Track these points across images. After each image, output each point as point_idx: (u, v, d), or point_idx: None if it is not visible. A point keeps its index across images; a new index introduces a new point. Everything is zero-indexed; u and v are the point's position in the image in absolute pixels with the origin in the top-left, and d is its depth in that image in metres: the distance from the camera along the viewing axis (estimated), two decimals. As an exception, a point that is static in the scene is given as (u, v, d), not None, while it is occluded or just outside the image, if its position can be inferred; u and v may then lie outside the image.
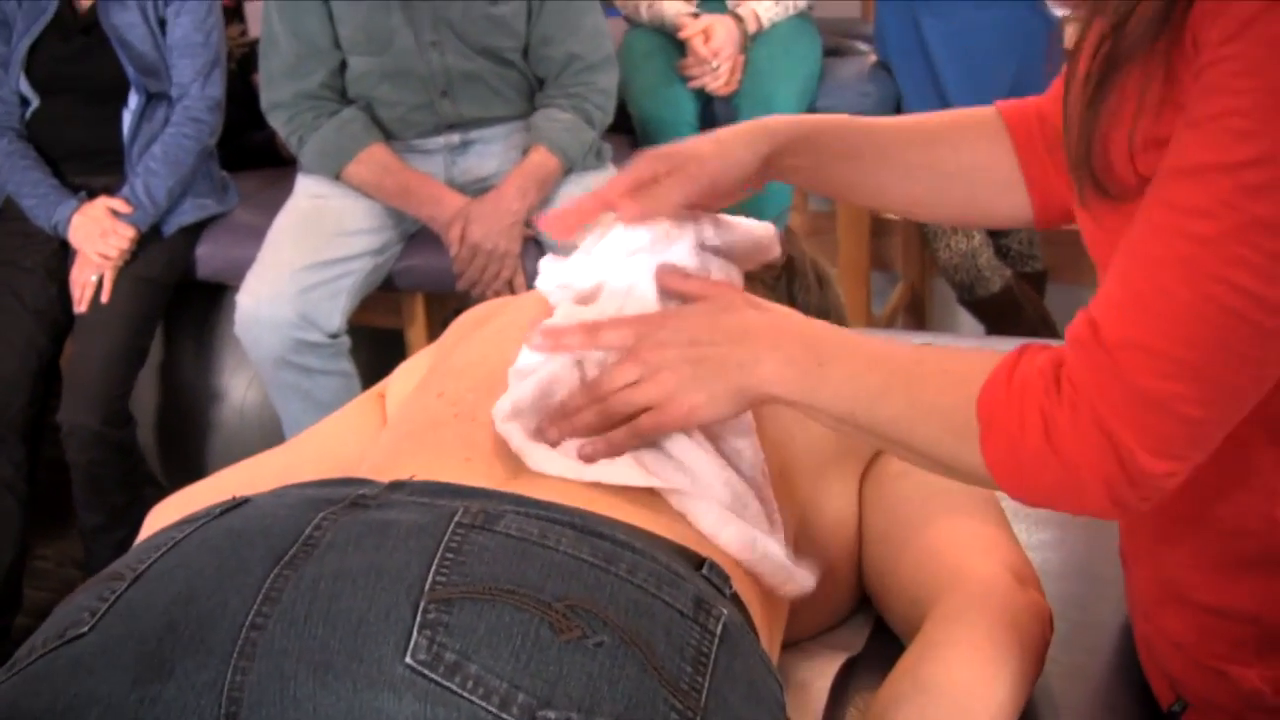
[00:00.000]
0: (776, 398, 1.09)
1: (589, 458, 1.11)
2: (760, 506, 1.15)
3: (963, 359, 1.03)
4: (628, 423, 1.12)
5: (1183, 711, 1.14)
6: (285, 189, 2.89)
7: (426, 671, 0.84)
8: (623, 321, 1.17)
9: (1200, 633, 1.09)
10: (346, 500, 0.98)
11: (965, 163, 1.32)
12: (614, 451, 1.11)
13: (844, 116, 1.34)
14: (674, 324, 1.13)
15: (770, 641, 1.11)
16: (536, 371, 1.17)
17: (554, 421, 1.13)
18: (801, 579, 1.14)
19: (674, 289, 1.23)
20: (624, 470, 1.09)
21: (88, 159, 2.92)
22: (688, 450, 1.12)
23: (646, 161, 1.27)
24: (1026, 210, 1.32)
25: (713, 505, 1.09)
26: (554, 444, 1.12)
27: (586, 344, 1.16)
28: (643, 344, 1.12)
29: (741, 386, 1.09)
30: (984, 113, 1.35)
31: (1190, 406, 0.92)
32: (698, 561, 1.02)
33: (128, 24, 2.84)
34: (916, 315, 3.69)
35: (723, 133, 1.29)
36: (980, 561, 1.22)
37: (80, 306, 2.80)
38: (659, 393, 1.10)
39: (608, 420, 1.12)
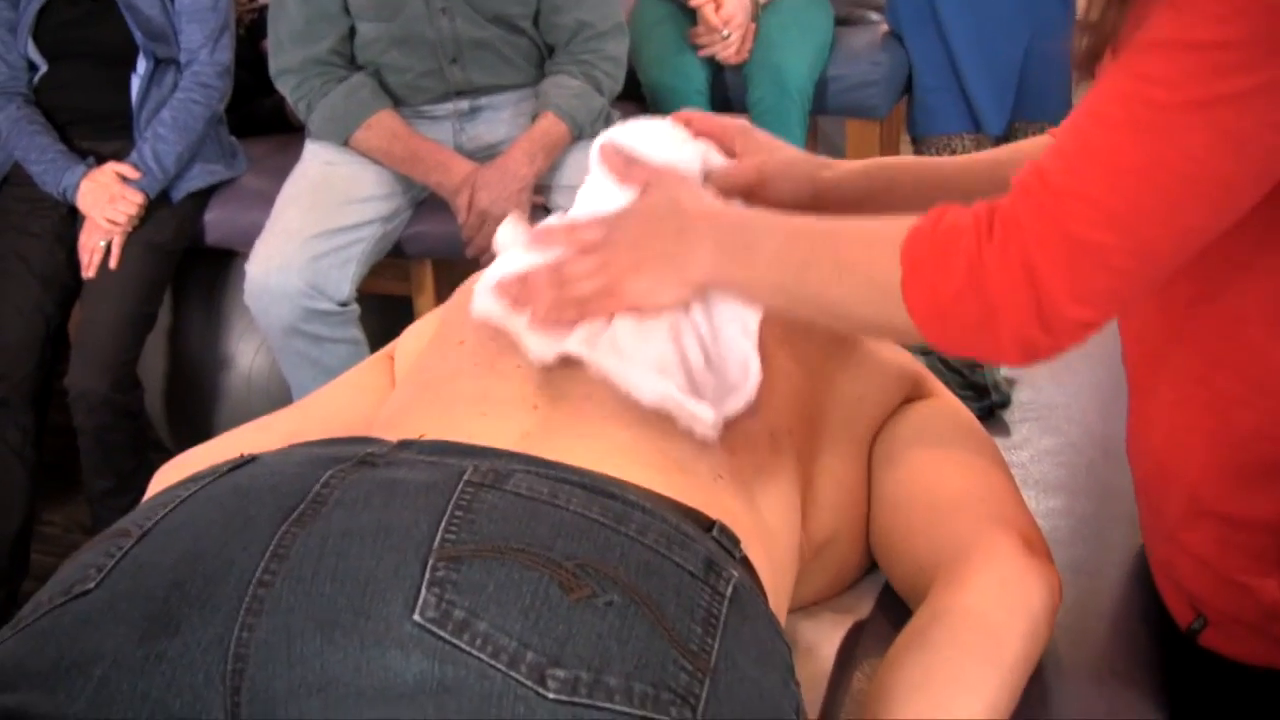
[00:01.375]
0: (713, 282, 1.16)
1: (539, 324, 1.19)
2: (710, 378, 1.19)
3: (886, 220, 1.07)
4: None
5: (1202, 629, 1.16)
6: (294, 155, 2.88)
7: (435, 629, 0.84)
8: (595, 223, 1.23)
9: (1222, 546, 1.11)
10: (355, 458, 0.98)
11: None
12: (557, 320, 1.19)
13: (906, 160, 1.39)
14: (623, 225, 1.20)
15: (778, 605, 1.11)
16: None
17: (517, 289, 1.22)
18: (702, 409, 1.14)
19: (614, 171, 1.29)
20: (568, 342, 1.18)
21: (96, 124, 2.92)
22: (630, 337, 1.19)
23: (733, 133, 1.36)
24: None
25: (633, 366, 1.16)
26: (514, 302, 1.22)
27: (570, 243, 1.23)
28: (603, 241, 1.20)
29: (680, 278, 1.16)
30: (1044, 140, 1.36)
31: (1119, 258, 0.96)
32: (707, 524, 1.02)
33: (136, -12, 2.83)
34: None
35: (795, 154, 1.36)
36: (988, 527, 1.21)
37: (88, 272, 2.80)
38: (606, 280, 1.17)
39: (562, 305, 1.19)
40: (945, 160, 1.39)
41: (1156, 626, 1.22)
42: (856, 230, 1.08)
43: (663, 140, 1.35)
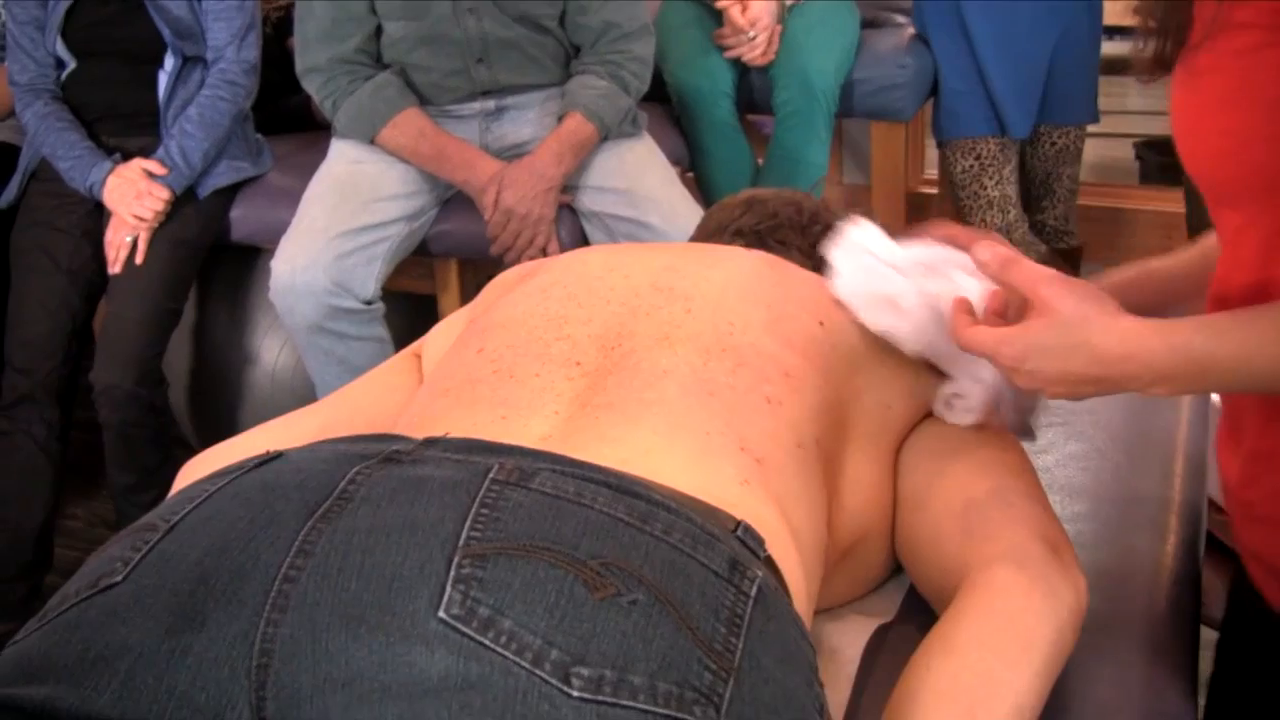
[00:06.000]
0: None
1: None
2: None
3: None
4: None
5: None
6: (320, 153, 2.89)
7: (460, 626, 0.84)
8: (1009, 342, 1.12)
9: None
10: (381, 455, 0.98)
11: None
12: None
13: (1148, 275, 1.32)
14: (1039, 361, 1.10)
15: (804, 606, 1.10)
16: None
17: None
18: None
19: (989, 267, 1.18)
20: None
21: (123, 121, 2.93)
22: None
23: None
24: None
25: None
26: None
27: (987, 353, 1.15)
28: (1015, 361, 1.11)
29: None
30: None
31: None
32: (732, 524, 1.02)
33: (164, -13, 2.84)
34: (951, 290, 3.67)
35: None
36: (1015, 530, 1.21)
37: (115, 268, 2.81)
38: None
39: None
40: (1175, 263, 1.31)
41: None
42: None
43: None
